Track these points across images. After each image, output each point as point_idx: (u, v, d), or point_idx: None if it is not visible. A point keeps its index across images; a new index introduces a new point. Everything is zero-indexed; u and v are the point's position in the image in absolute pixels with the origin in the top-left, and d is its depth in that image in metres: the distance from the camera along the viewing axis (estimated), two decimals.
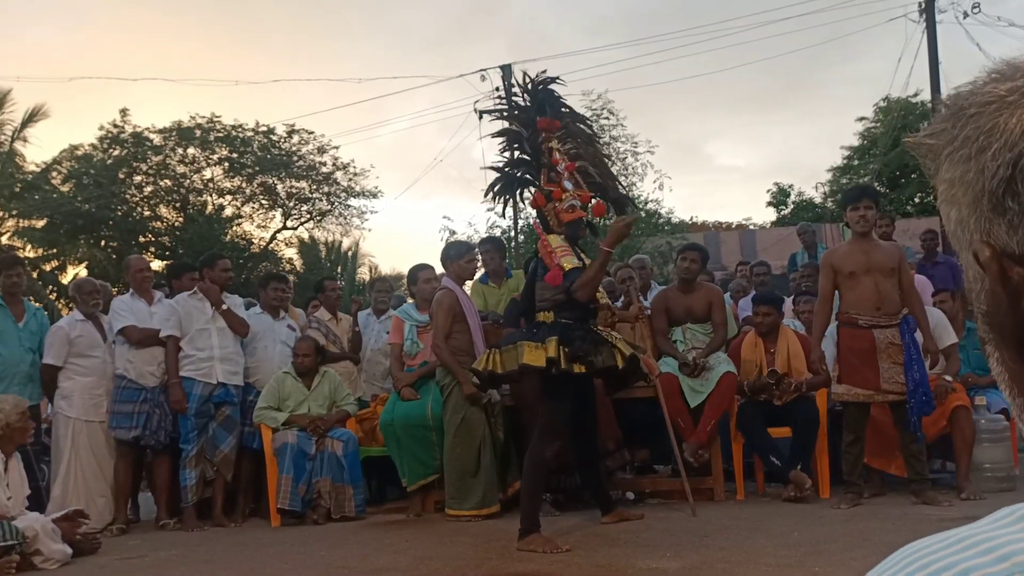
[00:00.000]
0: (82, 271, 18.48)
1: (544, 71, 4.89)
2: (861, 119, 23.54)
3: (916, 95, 20.49)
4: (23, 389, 5.73)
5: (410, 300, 6.53)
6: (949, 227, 0.58)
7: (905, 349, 4.90)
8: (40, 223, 19.88)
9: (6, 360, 5.82)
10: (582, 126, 4.93)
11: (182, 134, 20.88)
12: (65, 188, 20.58)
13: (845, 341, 5.04)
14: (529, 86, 4.81)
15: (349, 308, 7.38)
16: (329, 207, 22.70)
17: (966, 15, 14.21)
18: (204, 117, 21.01)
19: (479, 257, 6.10)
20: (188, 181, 21.67)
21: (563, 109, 4.81)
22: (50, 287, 18.04)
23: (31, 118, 18.75)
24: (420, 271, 6.08)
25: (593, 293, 4.50)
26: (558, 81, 4.82)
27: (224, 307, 5.95)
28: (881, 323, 4.95)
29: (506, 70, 18.17)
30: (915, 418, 4.90)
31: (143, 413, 5.77)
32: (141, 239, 21.60)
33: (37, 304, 6.74)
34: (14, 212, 19.66)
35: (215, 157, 21.44)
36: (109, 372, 5.93)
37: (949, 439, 5.31)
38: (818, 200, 24.33)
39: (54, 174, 20.59)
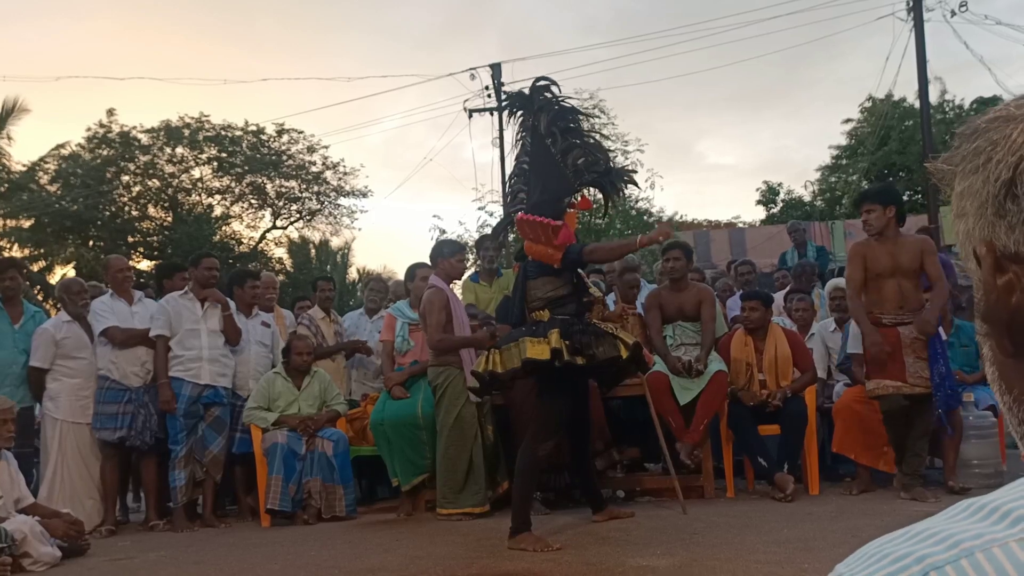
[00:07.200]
0: (70, 271, 18.38)
1: (544, 78, 4.83)
2: (847, 120, 23.69)
3: (890, 96, 20.64)
4: (15, 391, 5.70)
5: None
6: (959, 241, 0.63)
7: (930, 344, 5.00)
8: (27, 223, 19.77)
9: (0, 361, 5.78)
10: (571, 117, 4.86)
11: (170, 134, 20.79)
12: (52, 188, 20.46)
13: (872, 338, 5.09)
14: (527, 92, 4.80)
15: (341, 308, 7.36)
16: (319, 206, 22.67)
17: (953, 13, 14.29)
18: (193, 117, 20.94)
19: (468, 256, 6.10)
20: (177, 181, 21.59)
21: (555, 107, 4.77)
22: (37, 287, 17.94)
23: (9, 113, 18.55)
24: (419, 268, 6.01)
25: (604, 260, 4.60)
26: (551, 82, 4.79)
27: (227, 312, 5.92)
28: (905, 319, 5.03)
29: (496, 69, 18.17)
30: (941, 411, 5.01)
31: (127, 414, 5.74)
32: (129, 239, 21.52)
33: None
34: (0, 212, 19.53)
35: (204, 157, 21.37)
36: (96, 373, 5.89)
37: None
38: (807, 198, 24.44)
39: (41, 174, 20.48)
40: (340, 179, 22.26)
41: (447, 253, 5.50)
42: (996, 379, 0.62)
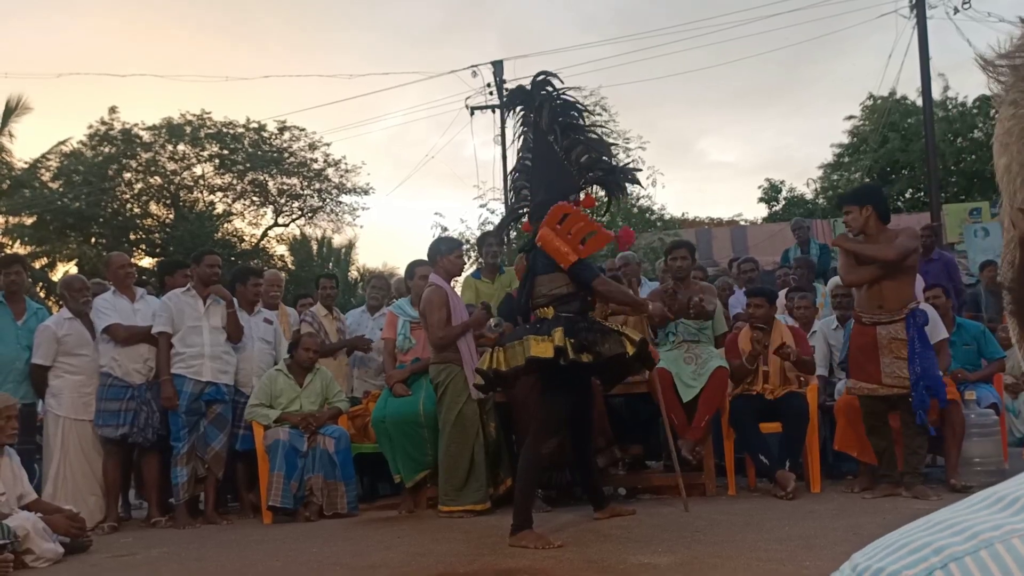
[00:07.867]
0: (72, 268, 18.40)
1: (545, 72, 4.79)
2: (849, 118, 23.65)
3: (892, 93, 20.63)
4: (18, 387, 5.71)
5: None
6: (998, 176, 0.57)
7: (909, 343, 4.96)
8: (29, 220, 19.80)
9: (3, 358, 5.79)
10: (574, 112, 4.81)
11: (172, 131, 20.80)
12: (54, 185, 20.48)
13: (853, 338, 5.16)
14: (529, 87, 4.77)
15: (343, 306, 7.39)
16: (320, 204, 22.69)
17: (956, 11, 14.25)
18: (194, 114, 20.95)
19: (469, 253, 6.10)
20: (178, 178, 21.60)
21: (557, 102, 4.73)
22: (39, 284, 17.96)
23: (12, 111, 18.53)
24: (418, 266, 6.00)
25: (606, 300, 4.69)
26: (553, 77, 4.75)
27: (231, 310, 5.93)
28: (883, 319, 5.02)
29: (498, 66, 18.16)
30: (919, 410, 4.97)
31: (130, 411, 5.74)
32: (131, 236, 21.54)
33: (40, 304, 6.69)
34: (2, 209, 19.56)
35: (205, 154, 21.39)
36: (98, 370, 5.89)
37: (939, 434, 5.35)
38: (809, 196, 24.41)
39: (43, 171, 20.50)
40: (342, 176, 22.30)
41: (445, 250, 5.49)
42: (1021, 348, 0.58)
